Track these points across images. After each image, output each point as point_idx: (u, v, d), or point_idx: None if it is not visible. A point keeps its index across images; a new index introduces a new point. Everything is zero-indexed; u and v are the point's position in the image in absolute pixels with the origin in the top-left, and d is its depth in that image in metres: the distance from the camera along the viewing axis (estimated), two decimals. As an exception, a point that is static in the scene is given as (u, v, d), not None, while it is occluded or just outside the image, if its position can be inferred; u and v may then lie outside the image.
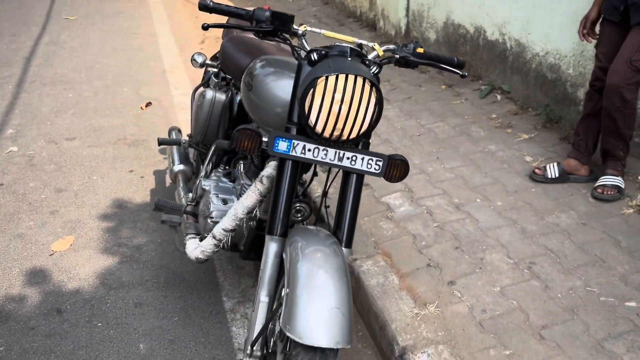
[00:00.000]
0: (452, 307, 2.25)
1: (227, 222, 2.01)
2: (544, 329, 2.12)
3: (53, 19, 7.33)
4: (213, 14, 1.81)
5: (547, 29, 3.75)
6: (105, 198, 3.34)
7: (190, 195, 2.55)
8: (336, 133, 1.59)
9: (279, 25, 1.74)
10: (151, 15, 7.66)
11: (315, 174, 2.19)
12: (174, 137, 3.19)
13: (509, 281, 2.36)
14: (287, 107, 1.80)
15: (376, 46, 1.82)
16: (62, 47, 6.19)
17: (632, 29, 2.72)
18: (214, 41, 6.06)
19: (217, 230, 2.05)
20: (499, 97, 4.16)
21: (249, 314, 2.47)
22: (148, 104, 4.68)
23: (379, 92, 1.59)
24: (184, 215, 2.44)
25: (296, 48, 1.77)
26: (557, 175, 3.04)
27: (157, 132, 4.12)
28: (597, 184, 2.92)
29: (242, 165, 2.29)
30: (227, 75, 2.69)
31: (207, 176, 2.41)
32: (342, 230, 1.70)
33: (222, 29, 3.02)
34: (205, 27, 1.73)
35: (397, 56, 1.83)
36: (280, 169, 1.70)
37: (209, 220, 2.18)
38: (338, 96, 1.55)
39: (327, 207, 1.98)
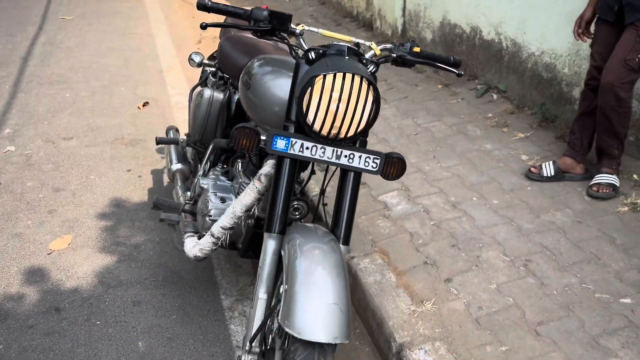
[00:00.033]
0: (448, 304, 2.26)
1: (226, 221, 2.02)
2: (540, 325, 2.14)
3: (49, 19, 7.31)
4: (211, 14, 1.82)
5: (542, 29, 3.78)
6: (103, 197, 3.35)
7: (189, 193, 2.55)
8: (334, 131, 1.61)
9: (277, 25, 1.74)
10: (148, 15, 7.65)
11: (313, 172, 2.20)
12: (172, 136, 3.20)
13: (505, 278, 2.38)
14: (285, 106, 1.81)
15: (373, 45, 1.84)
16: (58, 47, 6.19)
17: (627, 29, 2.74)
18: (210, 41, 6.06)
19: (216, 229, 2.06)
20: (495, 96, 4.18)
21: (247, 311, 2.48)
22: (145, 104, 4.68)
23: (376, 90, 1.60)
24: (182, 213, 2.45)
25: (294, 47, 1.78)
26: (552, 173, 3.06)
27: (154, 132, 4.12)
28: (592, 182, 2.94)
29: (240, 163, 2.30)
30: (225, 75, 2.69)
31: (205, 175, 2.41)
32: (340, 228, 1.71)
33: (219, 29, 3.03)
34: (204, 26, 1.74)
35: (394, 55, 1.84)
36: (278, 167, 1.71)
37: (207, 219, 2.19)
38: (336, 95, 1.56)
39: (324, 205, 2.00)
